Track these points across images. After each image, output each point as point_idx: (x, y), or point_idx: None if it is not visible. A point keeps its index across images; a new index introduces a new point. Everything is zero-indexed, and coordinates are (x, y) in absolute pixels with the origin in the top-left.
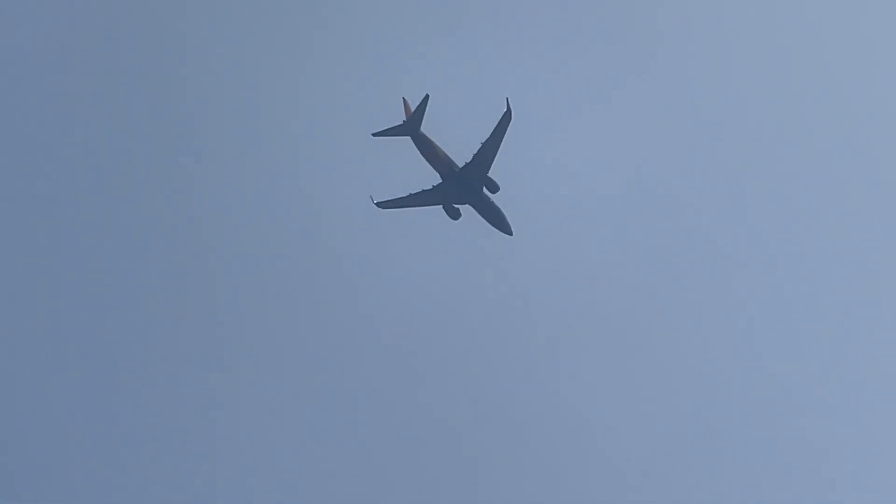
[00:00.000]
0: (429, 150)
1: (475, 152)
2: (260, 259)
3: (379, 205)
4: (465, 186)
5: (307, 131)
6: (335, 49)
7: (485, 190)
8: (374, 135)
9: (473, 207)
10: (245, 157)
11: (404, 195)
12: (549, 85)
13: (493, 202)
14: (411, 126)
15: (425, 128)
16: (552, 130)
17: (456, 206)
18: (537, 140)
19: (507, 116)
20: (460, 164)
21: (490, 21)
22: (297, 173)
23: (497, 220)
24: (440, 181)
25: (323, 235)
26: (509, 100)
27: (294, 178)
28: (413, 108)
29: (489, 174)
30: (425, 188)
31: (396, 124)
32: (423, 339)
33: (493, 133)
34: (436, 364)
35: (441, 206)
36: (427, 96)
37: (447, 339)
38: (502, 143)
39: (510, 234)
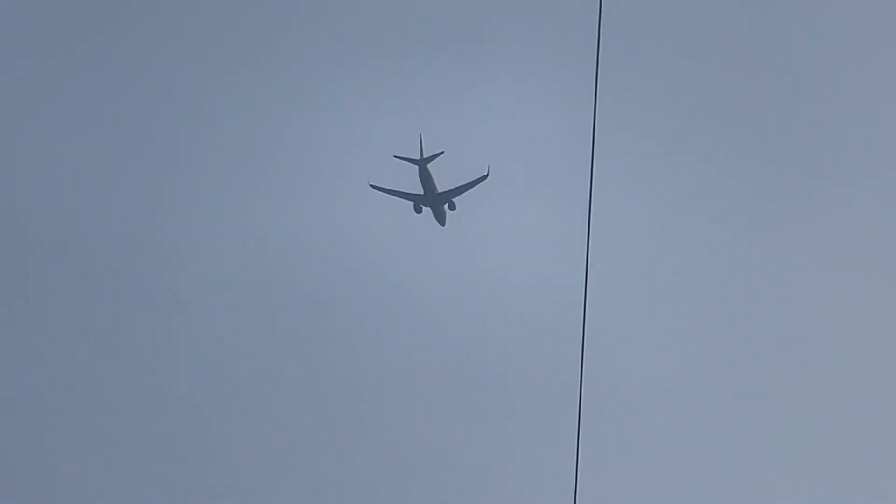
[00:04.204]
0: (426, 177)
1: (453, 187)
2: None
3: (372, 186)
4: (435, 201)
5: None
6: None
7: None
8: (395, 157)
9: (432, 209)
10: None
11: (394, 189)
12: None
13: (445, 210)
14: (423, 162)
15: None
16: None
17: (423, 206)
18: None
19: (482, 178)
20: (440, 188)
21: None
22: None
23: (440, 218)
24: (422, 193)
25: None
26: (490, 167)
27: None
28: (423, 149)
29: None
30: (409, 191)
31: (414, 157)
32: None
33: (469, 182)
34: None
35: (412, 203)
36: (443, 152)
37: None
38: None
39: (443, 226)
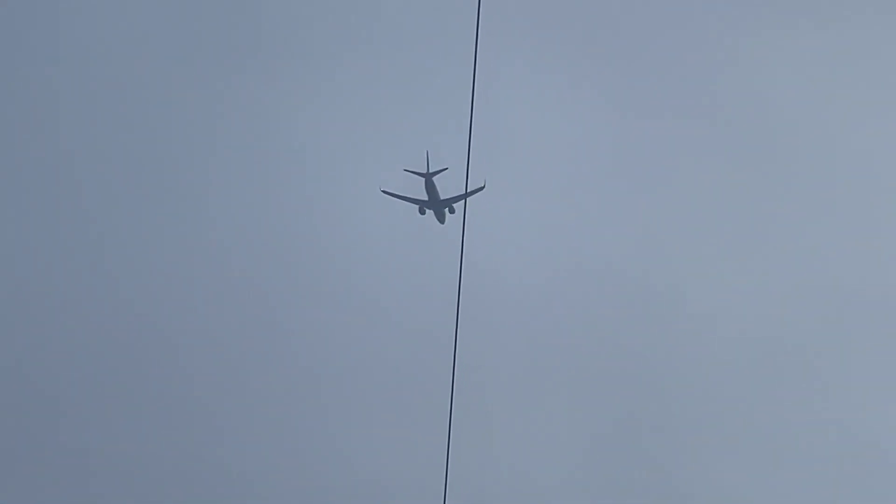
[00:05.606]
0: (431, 188)
1: (454, 195)
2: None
3: (383, 191)
4: (437, 206)
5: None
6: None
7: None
8: (404, 170)
9: (434, 212)
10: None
11: (401, 194)
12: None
13: (445, 212)
14: (429, 175)
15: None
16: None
17: (426, 209)
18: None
19: (479, 189)
20: (442, 196)
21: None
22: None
23: (441, 218)
24: (426, 199)
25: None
26: (486, 181)
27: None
28: (429, 164)
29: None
30: (415, 197)
31: (422, 171)
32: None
33: (468, 192)
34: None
35: (417, 207)
36: (447, 167)
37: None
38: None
39: (442, 223)
